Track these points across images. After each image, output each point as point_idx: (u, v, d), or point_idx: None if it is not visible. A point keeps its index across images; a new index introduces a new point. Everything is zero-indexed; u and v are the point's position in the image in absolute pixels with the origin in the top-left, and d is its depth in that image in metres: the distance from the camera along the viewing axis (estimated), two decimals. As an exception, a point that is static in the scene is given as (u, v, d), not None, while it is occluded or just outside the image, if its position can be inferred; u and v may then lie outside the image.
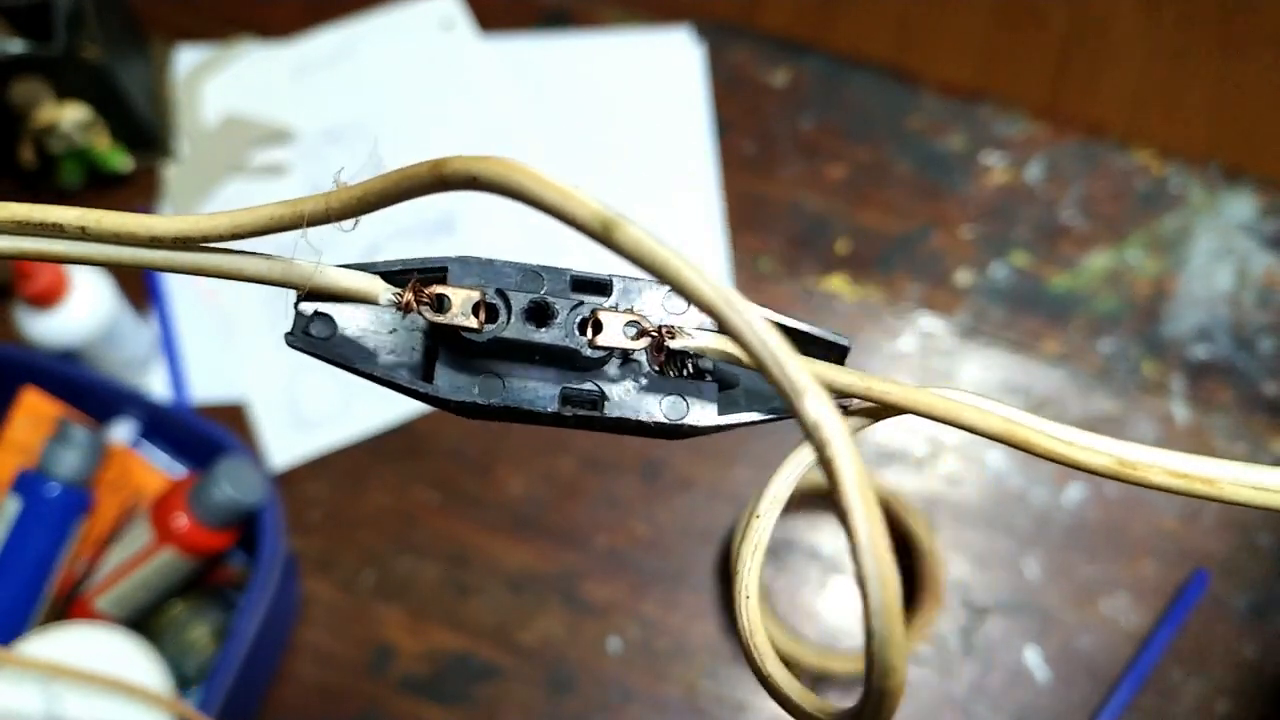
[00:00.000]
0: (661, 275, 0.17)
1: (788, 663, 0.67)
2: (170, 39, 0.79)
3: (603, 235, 0.17)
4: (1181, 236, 0.75)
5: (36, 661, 0.50)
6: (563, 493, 0.69)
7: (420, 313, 0.22)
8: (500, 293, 0.22)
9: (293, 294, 0.23)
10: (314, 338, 0.23)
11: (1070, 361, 0.72)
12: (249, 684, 0.59)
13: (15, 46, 0.66)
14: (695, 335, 0.23)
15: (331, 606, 0.66)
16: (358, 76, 0.79)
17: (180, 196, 0.75)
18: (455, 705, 0.64)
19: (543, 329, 0.22)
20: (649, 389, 0.23)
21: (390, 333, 0.23)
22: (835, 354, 0.24)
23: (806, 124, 0.78)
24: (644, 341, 0.22)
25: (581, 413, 0.23)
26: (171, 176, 0.75)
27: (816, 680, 0.64)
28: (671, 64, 0.79)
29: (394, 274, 0.23)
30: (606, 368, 0.23)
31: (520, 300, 0.22)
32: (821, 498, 0.68)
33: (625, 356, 0.23)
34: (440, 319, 0.22)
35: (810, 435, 0.16)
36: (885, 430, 0.70)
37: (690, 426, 0.23)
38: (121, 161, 0.73)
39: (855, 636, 0.67)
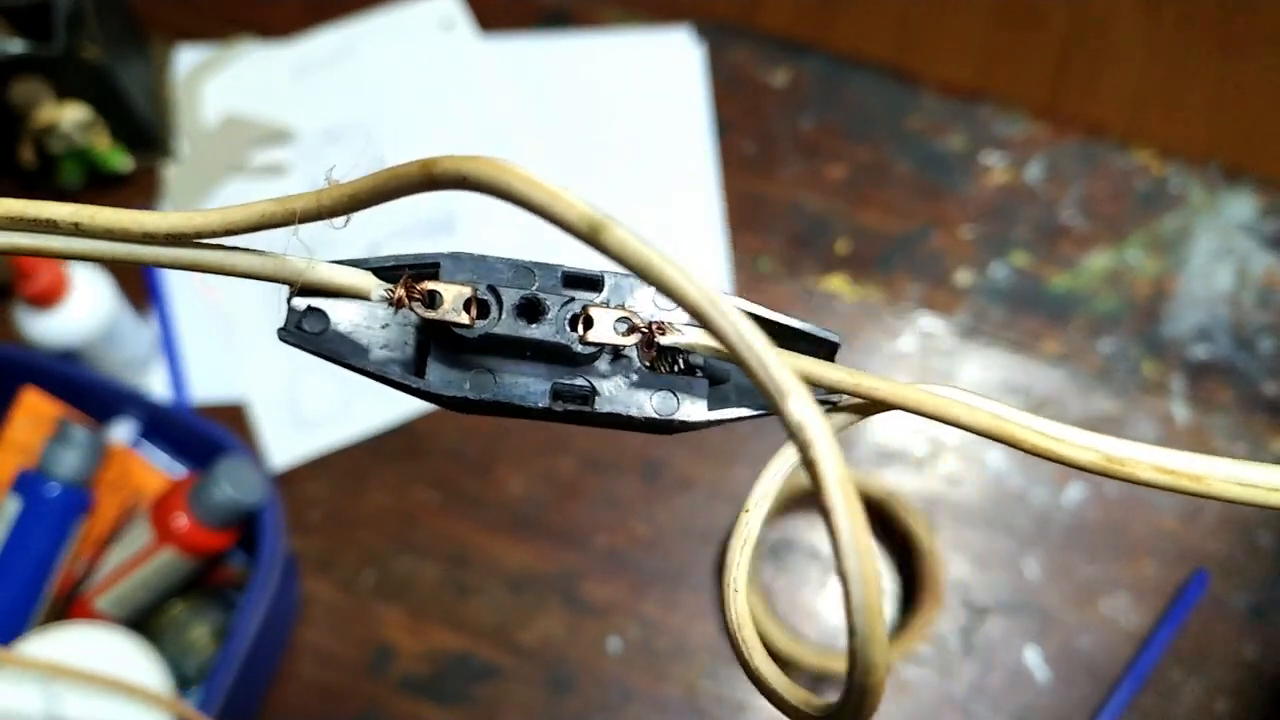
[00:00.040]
0: (647, 276, 0.17)
1: (788, 663, 0.67)
2: (170, 39, 0.79)
3: (590, 236, 0.17)
4: (1181, 236, 0.75)
5: (36, 661, 0.50)
6: (563, 493, 0.69)
7: (412, 308, 0.22)
8: (492, 289, 0.22)
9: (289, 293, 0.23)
10: (306, 333, 0.23)
11: (1070, 361, 0.72)
12: (249, 684, 0.59)
13: (15, 46, 0.66)
14: (685, 331, 0.23)
15: (331, 606, 0.66)
16: (358, 76, 0.79)
17: (180, 196, 0.75)
18: (455, 705, 0.64)
19: (534, 325, 0.22)
20: (640, 384, 0.23)
21: (383, 328, 0.23)
22: (825, 350, 0.24)
23: (806, 124, 0.78)
24: (635, 338, 0.22)
25: (572, 408, 0.23)
26: (171, 176, 0.75)
27: (816, 680, 0.64)
28: (671, 64, 0.79)
29: (386, 270, 0.23)
30: (597, 363, 0.23)
31: (511, 296, 0.22)
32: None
33: (616, 352, 0.23)
34: (432, 315, 0.22)
35: (794, 435, 0.16)
36: (885, 430, 0.70)
37: (681, 422, 0.23)
38: (121, 161, 0.73)
39: (855, 636, 0.66)
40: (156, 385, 0.71)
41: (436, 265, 0.23)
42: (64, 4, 0.66)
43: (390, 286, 0.22)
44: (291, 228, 0.20)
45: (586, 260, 0.23)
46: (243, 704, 0.60)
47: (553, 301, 0.22)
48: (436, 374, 0.23)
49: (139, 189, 0.75)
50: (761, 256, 0.74)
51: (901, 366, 0.72)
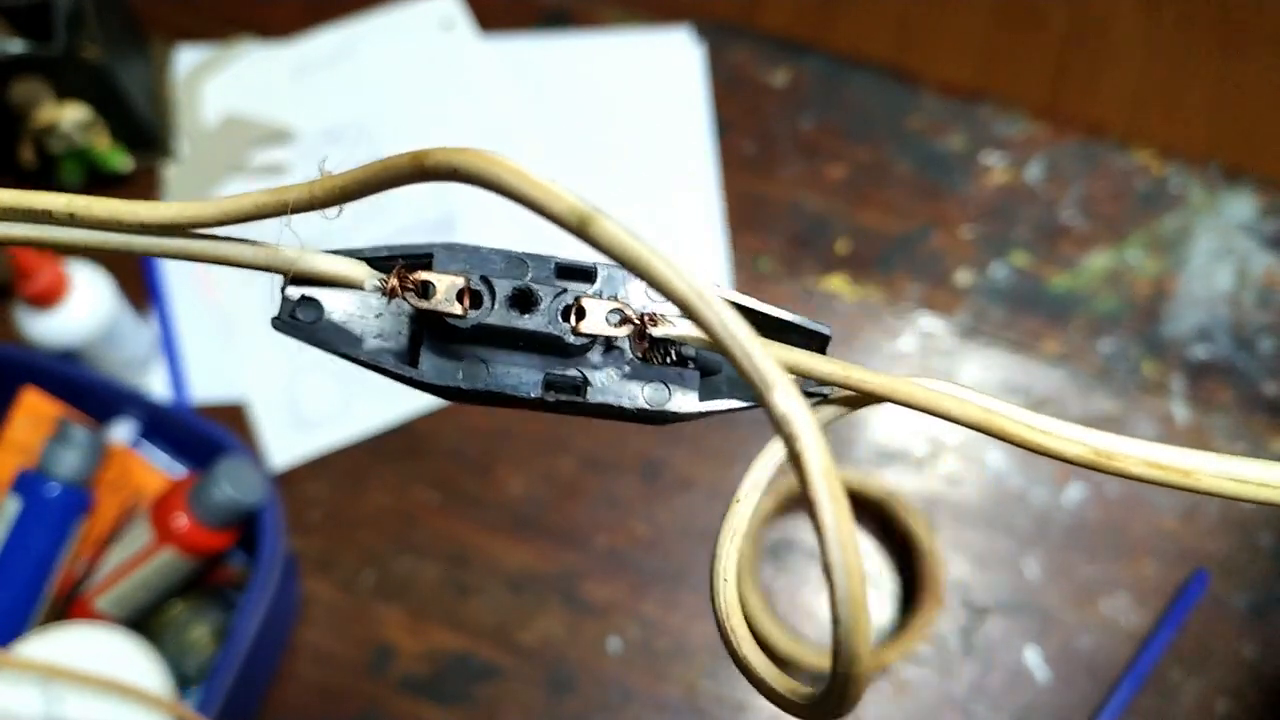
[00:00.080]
0: (635, 269, 0.17)
1: (788, 662, 0.67)
2: (170, 39, 0.79)
3: (579, 229, 0.17)
4: (1181, 236, 0.75)
5: (33, 663, 0.50)
6: (563, 493, 0.69)
7: (405, 298, 0.22)
8: (485, 279, 0.22)
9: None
10: (300, 322, 0.23)
11: (1070, 361, 0.72)
12: (249, 684, 0.59)
13: (15, 46, 0.66)
14: (677, 323, 0.23)
15: (331, 606, 0.66)
16: (358, 76, 0.79)
17: (180, 196, 0.75)
18: (455, 705, 0.64)
19: (526, 316, 0.22)
20: (631, 375, 0.23)
21: (377, 318, 0.23)
22: (816, 342, 0.24)
23: (806, 124, 0.78)
24: (627, 329, 0.23)
25: (564, 398, 0.23)
26: (171, 176, 0.76)
27: (817, 680, 0.64)
28: (671, 64, 0.79)
29: (380, 259, 0.23)
30: (590, 354, 0.23)
31: (504, 287, 0.22)
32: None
33: (608, 343, 0.23)
34: (425, 305, 0.22)
35: (779, 428, 0.16)
36: (885, 430, 0.70)
37: (672, 413, 0.23)
38: (121, 161, 0.73)
39: (855, 636, 0.66)
40: (156, 385, 0.71)
41: (430, 255, 0.23)
42: (64, 4, 0.66)
43: (383, 276, 0.22)
44: (284, 219, 0.21)
45: (580, 252, 0.24)
46: (243, 704, 0.60)
47: (545, 292, 0.22)
48: (429, 364, 0.23)
49: (139, 189, 0.75)
50: (761, 256, 0.74)
51: (901, 366, 0.72)
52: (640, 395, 0.23)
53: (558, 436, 0.70)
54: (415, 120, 0.78)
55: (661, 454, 0.70)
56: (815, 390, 0.24)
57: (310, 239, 0.23)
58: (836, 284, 0.74)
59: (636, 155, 0.77)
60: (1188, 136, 1.32)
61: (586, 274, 0.23)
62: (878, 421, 0.70)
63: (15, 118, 0.69)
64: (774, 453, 0.23)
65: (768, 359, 0.17)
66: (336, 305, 0.23)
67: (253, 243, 0.22)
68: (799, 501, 0.67)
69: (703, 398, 0.24)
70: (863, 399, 0.24)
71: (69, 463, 0.57)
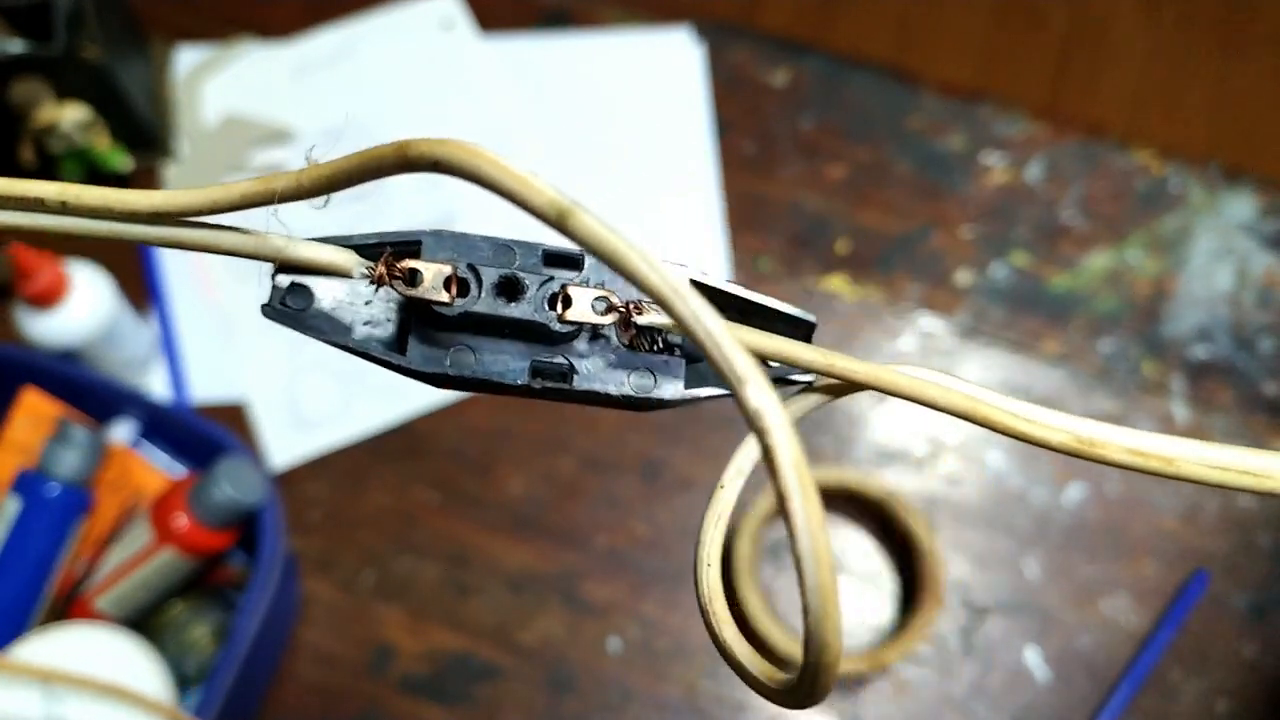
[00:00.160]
0: (612, 263, 0.17)
1: (788, 662, 0.67)
2: (170, 39, 0.79)
3: (557, 222, 0.18)
4: (1181, 236, 0.75)
5: (28, 667, 0.50)
6: (563, 493, 0.69)
7: (393, 286, 0.22)
8: (472, 267, 0.22)
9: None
10: (289, 309, 0.23)
11: (1070, 361, 0.72)
12: (249, 684, 0.59)
13: (15, 46, 0.66)
14: (662, 311, 0.23)
15: (331, 606, 0.66)
16: (358, 76, 0.79)
17: (180, 196, 0.75)
18: (455, 705, 0.64)
19: (513, 304, 0.22)
20: (617, 363, 0.24)
21: (366, 304, 0.23)
22: (802, 330, 0.25)
23: (806, 124, 0.78)
24: (612, 317, 0.23)
25: (551, 385, 0.23)
26: (171, 176, 0.75)
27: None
28: (671, 64, 0.79)
29: (369, 247, 0.23)
30: (576, 342, 0.23)
31: (491, 275, 0.22)
32: (821, 497, 0.68)
33: (594, 331, 0.24)
34: (412, 293, 0.22)
35: (752, 423, 0.17)
36: (885, 430, 0.70)
37: (657, 399, 0.24)
38: (121, 161, 0.73)
39: (855, 636, 0.67)
40: (156, 385, 0.71)
41: (419, 243, 0.23)
42: (64, 4, 0.66)
43: (371, 264, 0.23)
44: (272, 208, 0.21)
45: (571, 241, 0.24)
46: (243, 704, 0.60)
47: (532, 280, 0.23)
48: (417, 351, 0.23)
49: (139, 189, 0.75)
50: (761, 256, 0.74)
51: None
52: (626, 382, 0.24)
53: (558, 436, 0.70)
54: (415, 120, 0.78)
55: (661, 454, 0.70)
56: (800, 378, 0.25)
57: (307, 234, 0.23)
58: (836, 284, 0.74)
59: (636, 155, 0.77)
60: (1188, 136, 1.32)
61: (574, 261, 0.24)
62: (878, 421, 0.70)
63: (15, 118, 0.69)
64: (755, 440, 0.24)
65: (741, 355, 0.17)
66: (327, 293, 0.23)
67: (241, 230, 0.22)
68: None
69: (688, 385, 0.24)
70: (847, 387, 0.24)
71: (69, 463, 0.57)
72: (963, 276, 0.74)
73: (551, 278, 0.23)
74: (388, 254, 0.22)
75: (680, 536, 0.68)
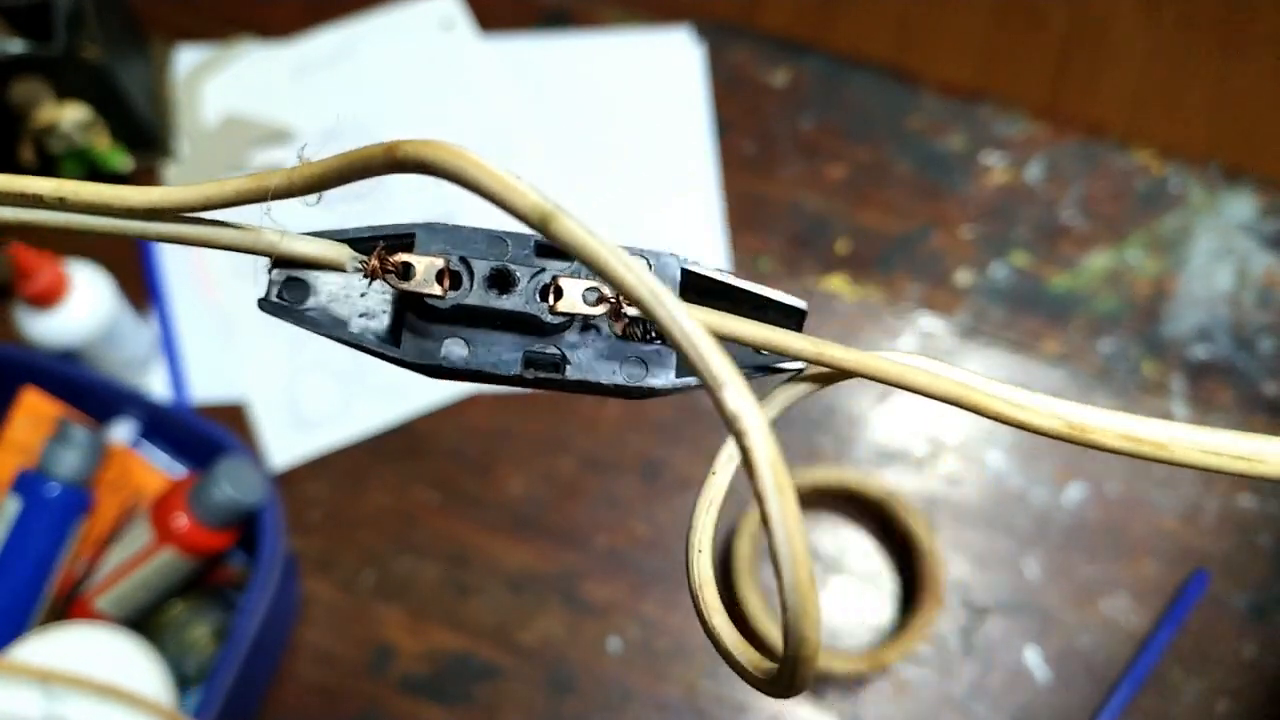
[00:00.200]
0: (594, 267, 0.18)
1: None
2: (170, 39, 0.79)
3: (540, 225, 0.18)
4: (1181, 236, 0.75)
5: (28, 667, 0.50)
6: (563, 493, 0.69)
7: (386, 280, 0.22)
8: (464, 260, 0.23)
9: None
10: (285, 303, 0.23)
11: (1070, 361, 0.72)
12: (249, 684, 0.59)
13: (15, 46, 0.66)
14: None
15: (331, 606, 0.66)
16: (358, 76, 0.79)
17: (180, 196, 0.75)
18: (455, 705, 0.64)
19: (504, 296, 0.23)
20: (609, 352, 0.24)
21: (361, 297, 0.24)
22: (794, 318, 0.25)
23: (806, 124, 0.78)
24: (603, 307, 0.23)
25: (543, 375, 0.24)
26: (171, 176, 0.75)
27: (816, 680, 0.64)
28: (671, 64, 0.79)
29: (363, 241, 0.23)
30: (568, 332, 0.24)
31: (482, 268, 0.23)
32: (820, 497, 0.68)
33: (586, 321, 0.24)
34: (405, 286, 0.22)
35: (730, 425, 0.17)
36: (885, 430, 0.70)
37: (648, 388, 0.24)
38: (121, 161, 0.73)
39: (855, 636, 0.67)
40: (156, 385, 0.71)
41: (412, 236, 0.23)
42: (64, 4, 0.66)
43: (364, 258, 0.23)
44: (265, 205, 0.21)
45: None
46: (243, 704, 0.60)
47: (523, 272, 0.23)
48: (411, 343, 0.23)
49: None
50: (761, 256, 0.74)
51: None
52: (618, 371, 0.24)
53: (558, 436, 0.70)
54: (415, 120, 0.78)
55: (661, 454, 0.70)
56: (789, 366, 0.25)
57: (306, 231, 0.23)
58: (836, 284, 0.74)
59: (636, 155, 0.77)
60: (1188, 136, 1.32)
61: (565, 253, 0.24)
62: (878, 422, 0.70)
63: (15, 118, 0.69)
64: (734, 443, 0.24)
65: (718, 358, 0.17)
66: (323, 287, 0.24)
67: (235, 225, 0.23)
68: (800, 500, 0.67)
69: (679, 373, 0.24)
70: (836, 375, 0.24)
71: (69, 463, 0.57)
72: (963, 276, 0.74)
73: (543, 269, 0.23)
74: (380, 248, 0.23)
75: (680, 536, 0.68)
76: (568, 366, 0.24)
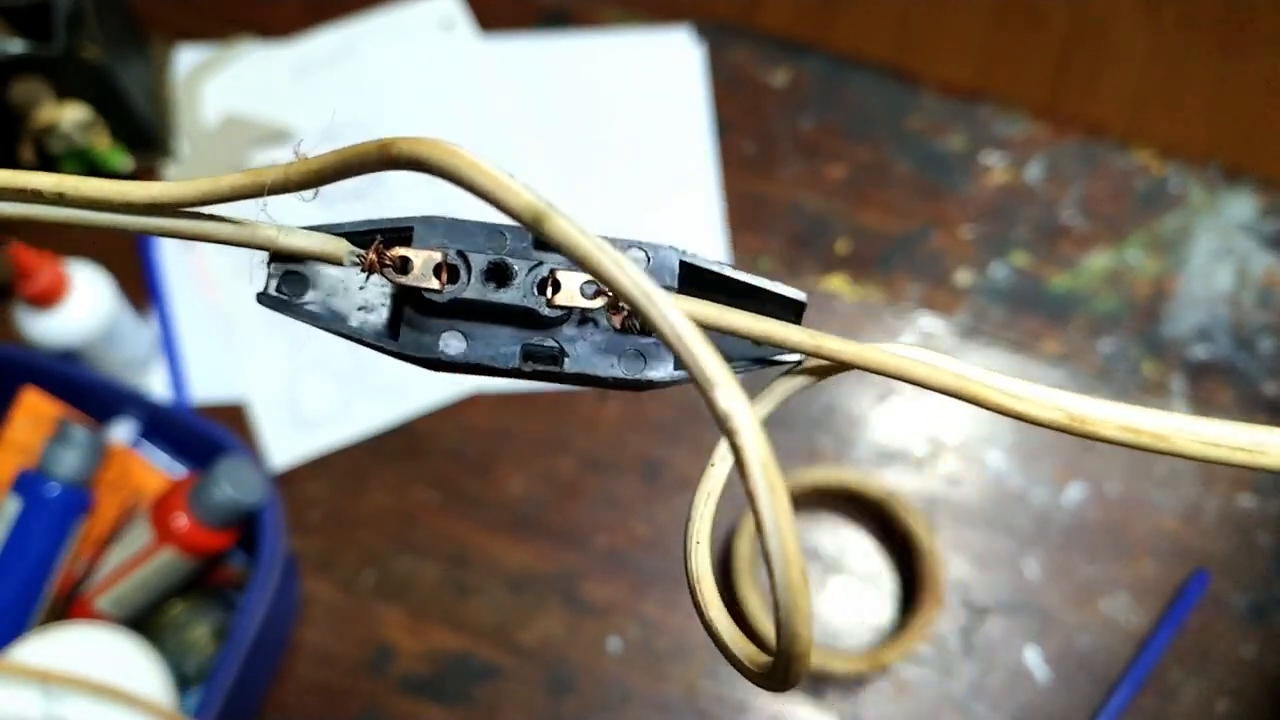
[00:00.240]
0: (586, 266, 0.18)
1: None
2: (170, 39, 0.79)
3: (533, 224, 0.18)
4: (1181, 236, 0.75)
5: (28, 667, 0.50)
6: (563, 493, 0.69)
7: (383, 274, 0.22)
8: (461, 254, 0.23)
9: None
10: (284, 297, 0.23)
11: (1070, 361, 0.72)
12: (249, 684, 0.59)
13: (15, 46, 0.66)
14: None
15: (331, 606, 0.66)
16: (358, 76, 0.79)
17: (180, 196, 0.75)
18: (455, 705, 0.64)
19: (502, 289, 0.23)
20: (607, 345, 0.24)
21: (360, 290, 0.24)
22: (792, 310, 0.25)
23: (806, 124, 0.78)
24: (601, 300, 0.23)
25: (542, 368, 0.24)
26: (171, 176, 0.76)
27: (816, 680, 0.64)
28: (671, 64, 0.79)
29: (360, 234, 0.23)
30: (566, 325, 0.24)
31: (480, 261, 0.23)
32: (820, 497, 0.68)
33: (584, 314, 0.24)
34: (403, 280, 0.22)
35: (721, 424, 0.17)
36: (885, 430, 0.70)
37: (646, 380, 0.24)
38: (121, 161, 0.73)
39: (855, 636, 0.67)
40: (156, 385, 0.71)
41: (410, 229, 0.23)
42: (64, 4, 0.66)
43: (361, 252, 0.23)
44: (261, 200, 0.21)
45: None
46: (243, 704, 0.60)
47: (521, 266, 0.23)
48: (409, 337, 0.23)
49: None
50: (761, 256, 0.74)
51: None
52: (616, 364, 0.24)
53: (558, 436, 0.70)
54: (415, 120, 0.78)
55: (661, 454, 0.70)
56: (787, 358, 0.25)
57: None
58: (836, 284, 0.74)
59: (636, 155, 0.77)
60: (1188, 136, 1.32)
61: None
62: (878, 421, 0.70)
63: (15, 118, 0.69)
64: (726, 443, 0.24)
65: (710, 358, 0.17)
66: (321, 281, 0.24)
67: (233, 220, 0.23)
68: (798, 502, 0.67)
69: (677, 366, 0.24)
70: (833, 367, 0.24)
71: (69, 463, 0.57)
72: (963, 276, 0.74)
73: (541, 262, 0.23)
74: (378, 241, 0.23)
75: (680, 536, 0.68)
76: (566, 359, 0.24)
